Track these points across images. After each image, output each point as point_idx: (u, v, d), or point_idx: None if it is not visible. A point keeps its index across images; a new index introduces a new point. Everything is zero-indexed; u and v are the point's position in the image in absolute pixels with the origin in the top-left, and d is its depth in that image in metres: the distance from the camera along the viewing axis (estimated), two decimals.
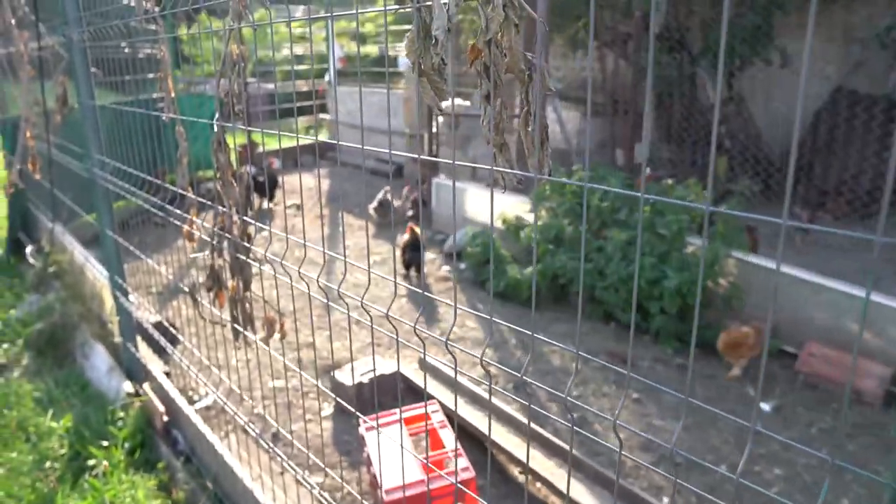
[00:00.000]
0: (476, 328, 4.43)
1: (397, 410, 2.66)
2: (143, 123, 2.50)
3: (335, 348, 4.00)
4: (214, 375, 3.12)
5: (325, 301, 1.49)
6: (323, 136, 11.35)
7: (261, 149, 9.25)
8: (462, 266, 5.60)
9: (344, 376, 3.32)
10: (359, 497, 1.72)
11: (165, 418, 2.80)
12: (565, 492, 2.57)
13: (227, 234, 1.78)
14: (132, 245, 2.82)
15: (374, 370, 1.93)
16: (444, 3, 1.01)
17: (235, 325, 1.90)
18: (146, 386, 3.00)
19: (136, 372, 3.12)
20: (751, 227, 4.58)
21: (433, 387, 3.34)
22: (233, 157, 1.82)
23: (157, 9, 2.04)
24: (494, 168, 1.01)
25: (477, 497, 1.28)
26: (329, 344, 4.09)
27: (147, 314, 3.29)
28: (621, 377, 3.80)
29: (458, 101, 8.37)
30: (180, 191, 2.04)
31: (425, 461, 2.31)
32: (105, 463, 2.58)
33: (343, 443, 3.11)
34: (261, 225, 1.68)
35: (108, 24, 2.23)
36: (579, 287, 4.57)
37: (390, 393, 3.42)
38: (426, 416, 2.26)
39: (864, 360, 3.70)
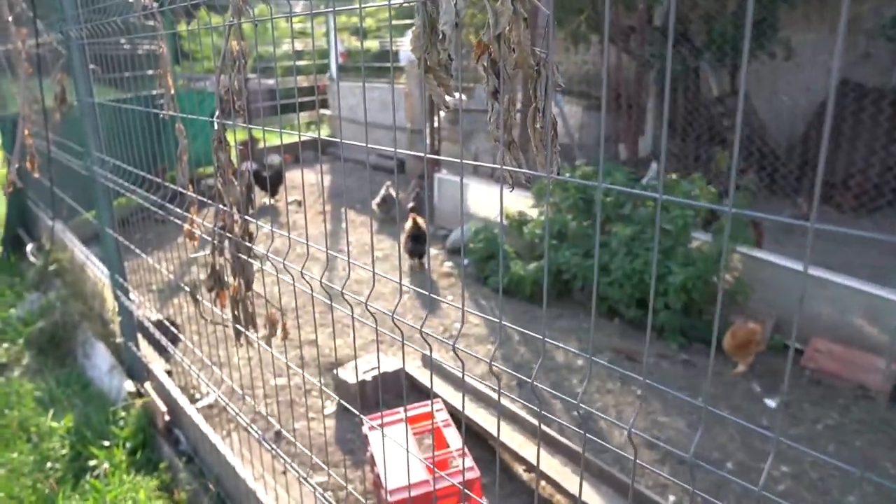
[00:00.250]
0: (479, 324, 4.40)
1: (401, 409, 2.64)
2: (143, 120, 2.47)
3: (338, 345, 3.98)
4: (216, 374, 3.10)
5: (328, 301, 1.46)
6: (324, 132, 11.31)
7: (261, 145, 9.21)
8: (464, 262, 5.57)
9: (347, 374, 3.30)
10: (361, 499, 1.69)
11: (167, 418, 2.78)
12: (571, 491, 2.55)
13: (227, 234, 1.75)
14: (133, 242, 2.80)
15: (377, 367, 1.90)
16: None
17: (237, 325, 1.87)
18: (148, 385, 2.98)
19: (137, 371, 3.10)
20: (756, 222, 4.55)
21: (436, 384, 3.32)
22: (234, 154, 1.80)
23: (155, 4, 2.01)
24: (504, 167, 0.98)
25: (480, 499, 1.26)
26: (331, 341, 4.08)
27: (149, 312, 3.27)
28: (627, 375, 3.77)
29: (455, 96, 8.32)
30: (180, 189, 2.01)
31: (429, 461, 2.29)
32: (106, 464, 2.56)
33: (346, 441, 3.09)
34: (261, 224, 1.65)
35: (106, 21, 2.20)
36: (591, 288, 4.55)
37: (393, 390, 3.40)
38: (431, 416, 2.24)
39: (870, 356, 3.67)
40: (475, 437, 3.05)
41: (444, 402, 3.12)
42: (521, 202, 5.43)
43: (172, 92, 2.13)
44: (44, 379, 3.32)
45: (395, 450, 2.36)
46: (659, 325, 4.23)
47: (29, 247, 4.99)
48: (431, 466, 1.38)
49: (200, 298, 1.97)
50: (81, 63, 2.62)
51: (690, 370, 3.85)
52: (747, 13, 0.62)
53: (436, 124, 6.59)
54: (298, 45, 12.76)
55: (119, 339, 3.27)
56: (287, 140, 9.24)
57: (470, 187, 6.22)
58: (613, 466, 2.78)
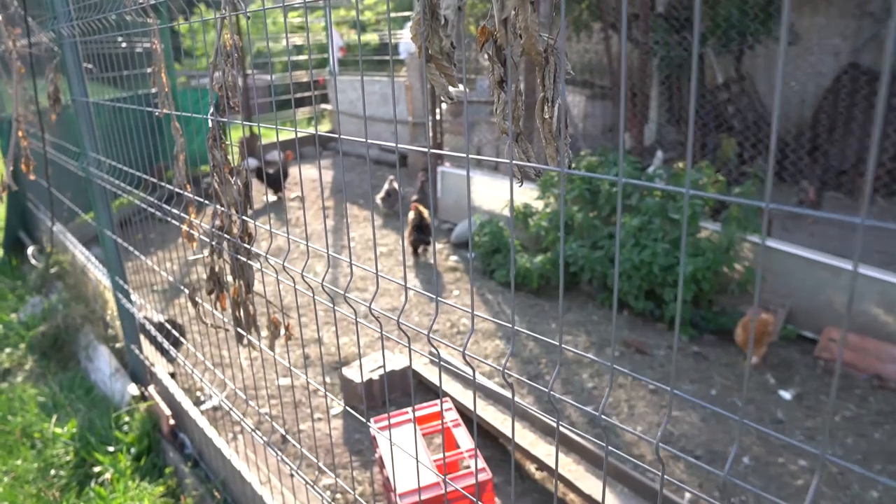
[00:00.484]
0: (486, 320, 4.34)
1: (409, 409, 2.58)
2: (141, 119, 2.41)
3: (342, 343, 3.93)
4: (220, 375, 3.05)
5: (331, 305, 1.40)
6: (325, 127, 11.24)
7: (261, 141, 9.15)
8: (471, 255, 5.51)
9: (352, 373, 3.24)
10: None
11: (172, 422, 2.73)
12: (584, 490, 2.50)
13: (226, 235, 1.70)
14: (135, 242, 2.75)
15: (383, 366, 1.85)
16: None
17: (238, 329, 1.81)
18: (151, 388, 2.93)
19: (140, 374, 3.06)
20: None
21: (445, 381, 3.26)
22: (235, 152, 1.74)
23: None
24: (514, 162, 0.92)
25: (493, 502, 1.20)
26: (336, 339, 4.03)
27: (152, 313, 3.22)
28: (637, 368, 3.71)
29: (459, 87, 8.24)
30: (177, 189, 1.95)
31: (440, 462, 2.23)
32: (111, 470, 2.51)
33: (354, 441, 3.04)
34: (259, 224, 1.59)
35: (96, 17, 2.13)
36: (598, 280, 4.48)
37: (400, 388, 3.35)
38: (441, 415, 2.18)
39: (887, 345, 3.60)
40: (485, 435, 3.00)
41: (453, 400, 3.06)
42: (526, 194, 5.36)
43: (167, 90, 2.07)
44: (47, 383, 3.28)
45: (405, 451, 2.30)
46: (668, 317, 4.17)
47: (30, 250, 4.95)
48: (438, 474, 1.32)
49: (200, 301, 1.92)
50: (74, 61, 2.56)
51: (702, 362, 3.78)
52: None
53: (437, 117, 6.51)
54: (298, 40, 12.69)
55: (120, 344, 3.23)
56: (288, 136, 9.18)
57: (474, 180, 6.15)
58: (627, 463, 2.72)
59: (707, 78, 7.04)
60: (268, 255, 1.47)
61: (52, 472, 2.63)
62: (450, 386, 3.23)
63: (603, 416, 0.88)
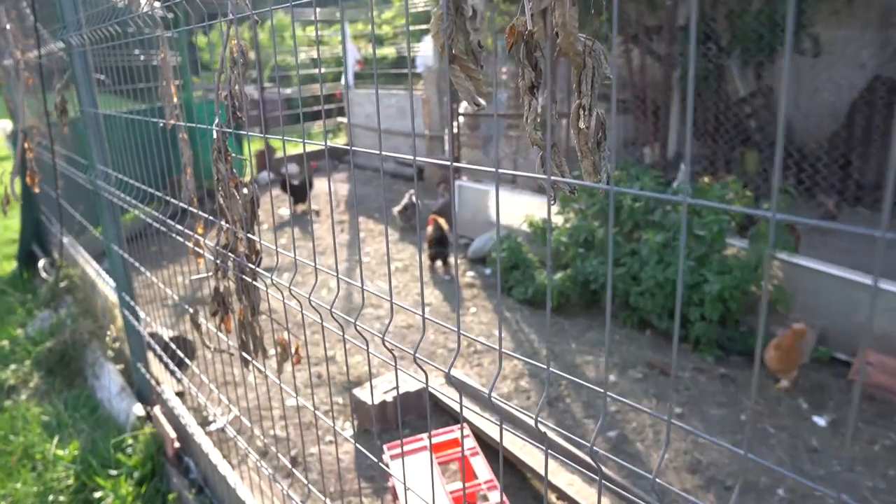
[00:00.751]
0: (504, 338, 4.20)
1: (424, 436, 2.46)
2: (156, 132, 2.33)
3: (355, 363, 3.81)
4: (230, 395, 2.94)
5: (341, 334, 1.29)
6: (342, 140, 11.20)
7: (278, 154, 9.11)
8: (487, 271, 5.38)
9: (364, 394, 3.12)
10: None
11: (177, 445, 2.62)
12: None
13: (231, 254, 1.59)
14: (148, 255, 2.65)
15: (397, 388, 1.73)
16: None
17: (244, 353, 1.70)
18: (157, 409, 2.83)
19: (146, 393, 2.96)
20: (792, 225, 4.31)
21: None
22: (248, 165, 1.64)
23: (156, 5, 1.86)
24: (554, 178, 0.80)
25: None
26: (347, 357, 3.92)
27: (161, 329, 3.13)
28: (662, 390, 3.55)
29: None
30: (183, 205, 1.85)
31: (457, 494, 2.10)
32: (111, 497, 2.40)
33: (365, 467, 2.91)
34: (267, 243, 1.48)
35: (104, 25, 2.05)
36: (620, 298, 4.32)
37: (415, 411, 3.22)
38: (460, 443, 2.06)
39: None
40: (493, 452, 2.85)
41: (471, 425, 2.93)
42: (544, 208, 5.23)
43: (175, 101, 1.98)
44: (51, 402, 3.19)
45: (419, 481, 2.18)
46: (694, 337, 4.01)
47: (41, 262, 4.90)
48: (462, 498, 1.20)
49: (204, 322, 1.81)
50: (83, 72, 2.49)
51: (729, 385, 3.61)
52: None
53: (455, 130, 6.42)
54: (315, 54, 12.70)
55: (129, 360, 3.13)
56: (307, 149, 9.11)
57: (491, 194, 6.03)
58: (651, 494, 2.57)
59: (729, 91, 6.89)
60: (273, 278, 1.35)
61: (52, 497, 2.52)
62: (467, 408, 3.10)
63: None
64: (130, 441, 2.74)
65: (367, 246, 6.30)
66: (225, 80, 1.49)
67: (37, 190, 2.88)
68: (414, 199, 6.51)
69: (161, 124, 1.84)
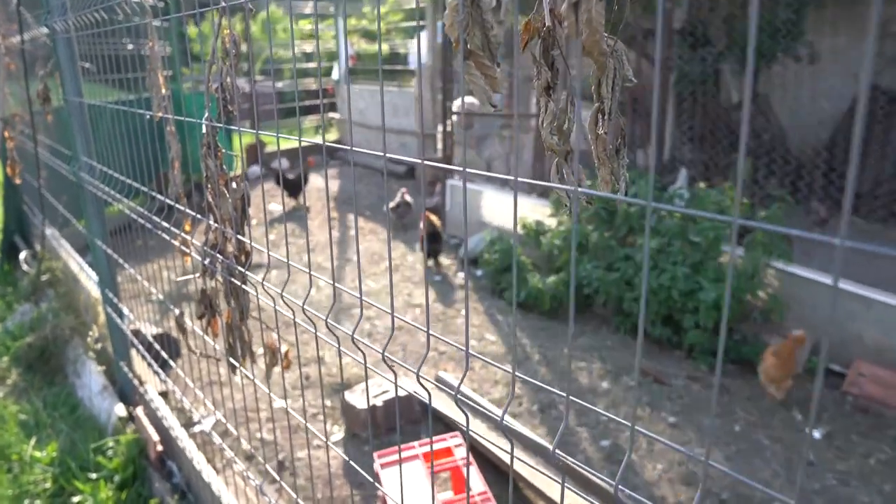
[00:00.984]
0: (496, 342, 4.14)
1: (415, 443, 2.39)
2: (144, 124, 2.24)
3: (345, 364, 3.73)
4: (215, 396, 2.86)
5: (336, 345, 1.22)
6: (332, 136, 11.10)
7: (269, 148, 9.01)
8: (478, 273, 5.32)
9: (354, 398, 3.05)
10: None
11: (160, 448, 2.53)
12: None
13: (219, 255, 1.51)
14: (135, 249, 2.56)
15: (393, 391, 1.67)
16: None
17: (231, 359, 1.63)
18: (140, 410, 2.74)
19: (129, 393, 2.87)
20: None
21: (455, 409, 3.06)
22: (238, 162, 1.56)
23: None
24: (580, 189, 0.73)
25: None
26: (337, 357, 3.83)
27: (145, 326, 3.03)
28: (655, 398, 3.50)
29: (471, 99, 8.09)
30: (170, 202, 1.77)
31: None
32: (90, 501, 2.32)
33: (355, 472, 2.83)
34: (259, 246, 1.40)
35: (90, 10, 1.97)
36: (613, 303, 4.27)
37: (406, 415, 3.15)
38: (452, 452, 1.99)
39: None
40: (492, 468, 2.79)
41: (463, 434, 2.86)
42: (538, 211, 5.18)
43: (164, 92, 1.89)
44: (30, 400, 3.09)
45: (410, 491, 2.11)
46: (687, 345, 3.96)
47: (22, 254, 4.78)
48: None
49: (190, 324, 1.73)
50: (68, 59, 2.40)
51: (723, 395, 3.57)
52: None
53: (448, 128, 6.34)
54: (308, 48, 12.59)
55: (112, 357, 3.04)
56: (294, 144, 9.03)
57: (484, 195, 5.97)
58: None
59: (722, 97, 6.86)
60: (263, 283, 1.28)
61: (28, 501, 2.43)
62: (460, 415, 3.03)
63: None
64: (111, 444, 2.65)
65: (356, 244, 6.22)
66: (216, 72, 1.41)
67: (18, 181, 2.78)
68: (407, 197, 6.43)
69: (148, 116, 1.76)
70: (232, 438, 2.84)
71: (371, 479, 1.21)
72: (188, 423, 2.91)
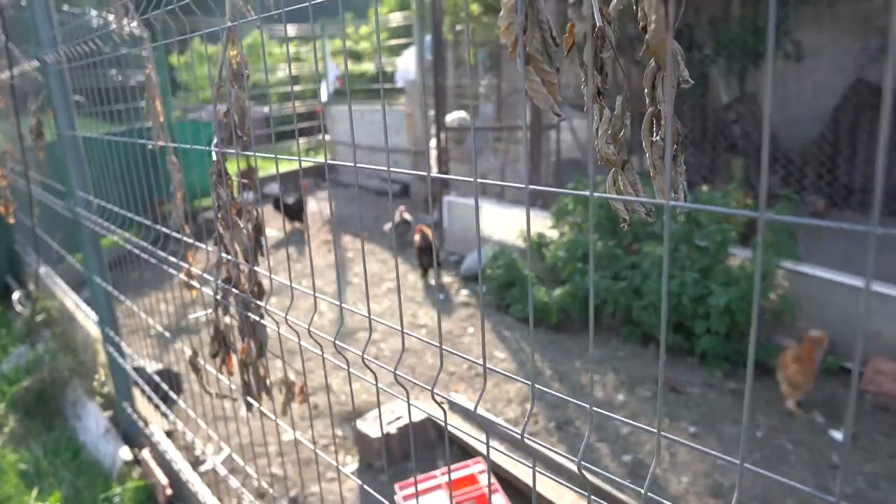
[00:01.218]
0: (506, 358, 4.06)
1: (436, 472, 2.30)
2: (135, 154, 2.17)
3: (355, 390, 3.63)
4: (222, 431, 2.76)
5: (345, 367, 1.14)
6: (322, 158, 11.05)
7: (260, 174, 8.93)
8: (482, 289, 5.24)
9: (367, 426, 2.95)
10: None
11: (169, 492, 2.43)
12: None
13: (234, 289, 1.43)
14: (130, 282, 2.48)
15: (407, 417, 1.59)
16: None
17: (248, 397, 1.54)
18: (146, 452, 2.63)
19: (133, 434, 2.76)
20: (793, 232, 4.23)
21: (472, 434, 2.96)
22: (235, 188, 1.49)
23: (133, 24, 1.71)
24: (634, 199, 0.66)
25: None
26: (345, 385, 3.73)
27: (146, 362, 2.94)
28: (672, 408, 3.42)
29: (461, 114, 8.06)
30: (176, 234, 1.69)
31: None
32: None
33: None
34: (276, 278, 1.33)
35: (83, 40, 1.89)
36: (622, 312, 4.19)
37: (421, 441, 3.05)
38: (476, 479, 1.90)
39: None
40: (514, 491, 2.69)
41: (483, 455, 2.77)
42: (539, 223, 5.12)
43: (162, 119, 1.82)
44: (29, 447, 2.97)
45: None
46: (700, 352, 3.89)
47: (16, 295, 4.66)
48: None
49: (203, 363, 1.64)
50: (60, 92, 2.32)
51: (740, 400, 3.50)
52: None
53: (443, 144, 6.29)
54: (293, 71, 12.56)
55: (114, 398, 2.93)
56: (286, 167, 8.96)
57: (482, 209, 5.91)
58: None
59: (712, 98, 6.87)
60: (288, 318, 1.20)
61: None
62: (477, 440, 2.95)
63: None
64: (118, 490, 2.53)
65: (356, 266, 6.13)
66: (225, 95, 1.34)
67: (11, 220, 2.69)
68: (406, 215, 6.37)
69: (150, 146, 1.69)
70: (242, 475, 2.73)
71: None
72: (196, 462, 2.81)
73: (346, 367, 1.24)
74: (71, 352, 3.40)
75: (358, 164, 1.15)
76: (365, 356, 1.15)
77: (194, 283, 1.78)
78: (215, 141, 1.43)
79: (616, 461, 3.00)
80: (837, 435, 3.18)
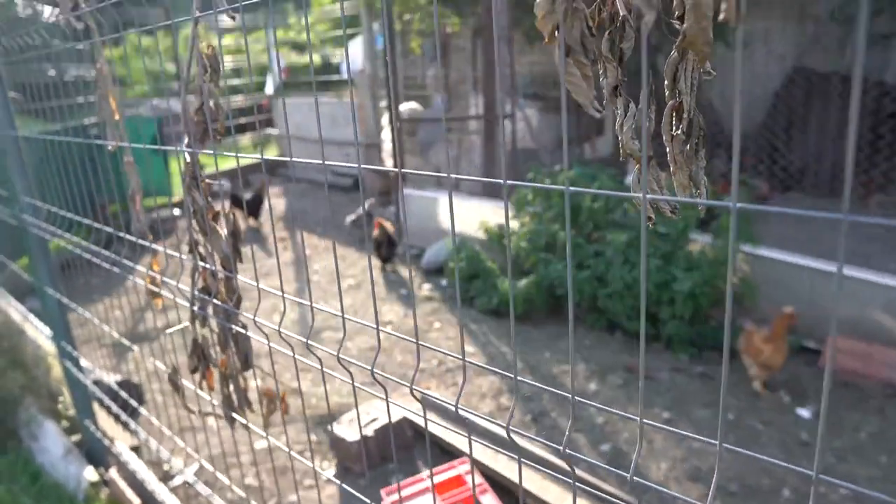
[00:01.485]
0: (475, 352, 4.03)
1: (424, 475, 2.25)
2: (74, 153, 2.04)
3: (322, 393, 3.54)
4: (191, 442, 2.64)
5: (319, 367, 1.10)
6: (272, 152, 10.79)
7: (206, 170, 8.67)
8: (443, 283, 5.20)
9: (343, 430, 2.87)
10: None
11: None
12: None
13: (214, 300, 1.34)
14: (77, 288, 2.33)
15: (384, 418, 1.53)
16: None
17: (233, 413, 1.45)
18: (113, 471, 2.49)
19: (98, 453, 2.61)
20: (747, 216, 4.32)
21: (449, 432, 2.92)
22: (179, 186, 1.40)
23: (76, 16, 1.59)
24: (652, 197, 0.62)
25: None
26: (316, 387, 3.63)
27: (103, 374, 2.78)
28: (646, 396, 3.44)
29: (413, 104, 7.97)
30: (120, 234, 1.58)
31: None
32: None
33: None
34: (242, 278, 1.25)
35: (20, 34, 1.75)
36: (587, 301, 4.20)
37: (398, 442, 2.98)
38: (464, 480, 1.86)
39: (893, 351, 3.46)
40: (499, 489, 2.66)
41: (467, 455, 2.73)
42: (499, 214, 5.10)
43: (117, 117, 1.70)
44: None
45: None
46: (666, 337, 3.94)
47: None
48: None
49: (181, 384, 1.54)
50: None
51: (709, 383, 3.56)
52: None
53: (397, 136, 6.20)
54: (231, 62, 12.22)
55: (72, 415, 2.77)
56: (230, 164, 8.69)
57: (438, 201, 5.86)
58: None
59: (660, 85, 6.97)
60: (281, 330, 1.13)
61: None
62: (458, 438, 2.90)
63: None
64: None
65: (314, 263, 6.00)
66: (196, 90, 1.25)
67: None
68: (370, 209, 6.29)
69: (110, 147, 1.57)
70: (216, 487, 2.63)
71: None
72: (166, 477, 2.68)
73: (318, 368, 1.19)
74: (20, 367, 3.19)
75: (294, 158, 1.11)
76: (341, 356, 1.11)
77: (160, 290, 1.68)
78: (186, 140, 1.34)
79: (595, 451, 3.01)
80: (805, 413, 3.27)
